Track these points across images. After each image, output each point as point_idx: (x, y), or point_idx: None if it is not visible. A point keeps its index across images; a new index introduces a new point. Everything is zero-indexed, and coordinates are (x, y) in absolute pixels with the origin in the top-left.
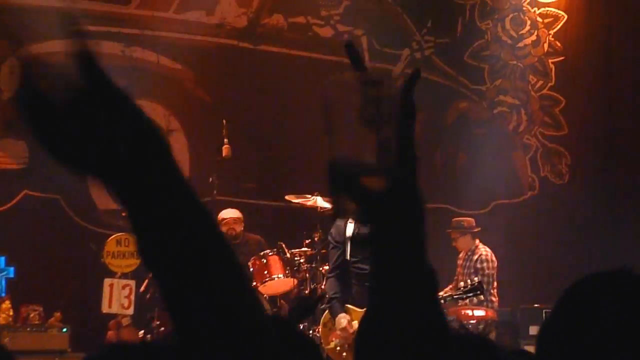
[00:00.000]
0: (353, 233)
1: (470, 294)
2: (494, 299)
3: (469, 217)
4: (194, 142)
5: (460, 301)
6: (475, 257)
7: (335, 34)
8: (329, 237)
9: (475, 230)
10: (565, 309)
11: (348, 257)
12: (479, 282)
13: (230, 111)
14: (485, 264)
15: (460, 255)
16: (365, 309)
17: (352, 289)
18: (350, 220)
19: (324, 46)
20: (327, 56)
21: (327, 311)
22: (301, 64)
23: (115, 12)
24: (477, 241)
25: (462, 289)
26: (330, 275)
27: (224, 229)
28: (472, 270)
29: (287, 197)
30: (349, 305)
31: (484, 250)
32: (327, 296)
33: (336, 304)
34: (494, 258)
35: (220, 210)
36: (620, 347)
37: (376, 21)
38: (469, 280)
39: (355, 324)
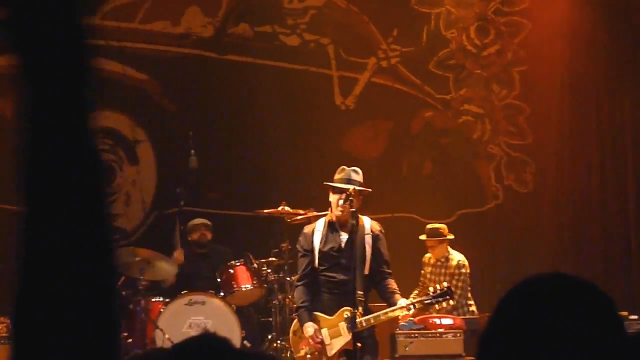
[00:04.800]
0: (321, 242)
1: (440, 299)
2: (472, 304)
3: (444, 224)
4: (160, 153)
5: (431, 307)
6: (451, 263)
7: (301, 42)
8: (298, 246)
9: (451, 237)
10: (502, 312)
11: (317, 265)
12: (448, 287)
13: (196, 121)
14: (463, 269)
15: (429, 261)
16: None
17: (321, 297)
18: (317, 228)
19: (290, 55)
20: (293, 65)
21: (296, 320)
22: (268, 73)
23: None
24: (449, 247)
25: (431, 294)
26: (298, 283)
27: (195, 235)
28: (447, 278)
29: (257, 211)
30: (317, 313)
31: (458, 256)
32: (295, 305)
33: (304, 312)
34: (467, 263)
35: (188, 221)
36: (556, 348)
37: (342, 30)
38: (437, 286)
39: (325, 331)
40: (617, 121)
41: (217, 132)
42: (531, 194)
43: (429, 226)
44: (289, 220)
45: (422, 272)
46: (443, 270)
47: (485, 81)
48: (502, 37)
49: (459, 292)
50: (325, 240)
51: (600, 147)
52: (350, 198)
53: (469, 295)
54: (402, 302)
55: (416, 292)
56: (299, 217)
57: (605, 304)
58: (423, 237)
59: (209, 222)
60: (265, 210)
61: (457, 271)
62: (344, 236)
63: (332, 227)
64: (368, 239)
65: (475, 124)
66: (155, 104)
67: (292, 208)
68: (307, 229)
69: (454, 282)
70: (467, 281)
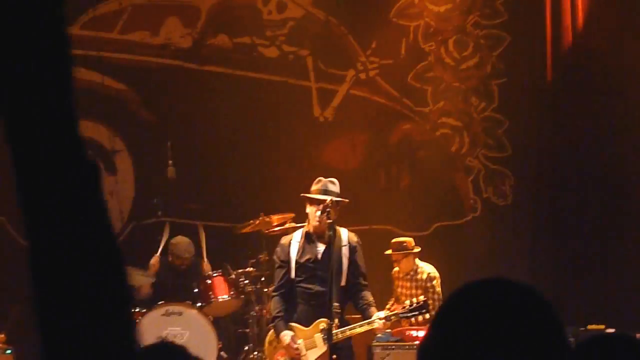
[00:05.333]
0: (298, 253)
1: (416, 312)
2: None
3: (410, 237)
4: (138, 163)
5: (404, 320)
6: (420, 276)
7: (280, 54)
8: (275, 257)
9: (417, 250)
10: (441, 319)
11: (293, 277)
12: (425, 301)
13: (175, 132)
14: (435, 282)
15: (398, 275)
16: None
17: (297, 308)
18: (294, 239)
19: (269, 67)
20: (272, 76)
21: (271, 330)
22: (247, 84)
23: None
24: (417, 260)
25: (407, 307)
26: (274, 293)
27: (178, 260)
28: (419, 291)
29: (238, 228)
30: (293, 324)
31: (428, 268)
32: (271, 315)
33: (280, 322)
34: (437, 274)
35: (164, 232)
36: (496, 353)
37: (321, 42)
38: (414, 300)
39: (301, 342)
40: (599, 132)
41: (196, 142)
42: (510, 206)
43: (393, 240)
44: (266, 231)
45: (394, 285)
46: (413, 284)
47: (464, 94)
48: (481, 50)
49: (436, 304)
50: (302, 252)
51: (577, 161)
52: (328, 209)
53: None
54: (378, 314)
55: (391, 302)
56: (277, 229)
57: (544, 308)
58: (388, 251)
59: (192, 248)
60: (245, 229)
61: (428, 284)
62: (321, 247)
63: (309, 239)
64: (345, 251)
65: (453, 136)
66: (134, 114)
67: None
68: (284, 239)
69: (429, 294)
70: (440, 293)
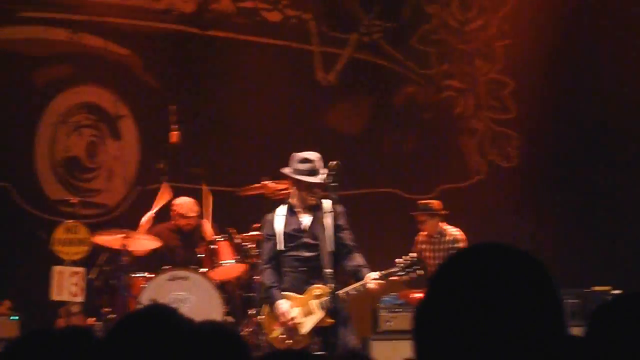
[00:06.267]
0: (284, 225)
1: (410, 270)
2: None
3: (419, 200)
4: (143, 128)
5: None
6: (447, 238)
7: (283, 18)
8: (262, 232)
9: (444, 212)
10: (437, 283)
11: (283, 247)
12: (418, 257)
13: (179, 97)
14: (461, 244)
15: (422, 239)
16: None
17: (289, 277)
18: (278, 213)
19: (272, 31)
20: (275, 41)
21: (266, 303)
22: (250, 48)
23: None
24: (443, 224)
25: (400, 264)
26: (266, 266)
27: (182, 221)
28: (444, 253)
29: (240, 191)
30: (287, 293)
31: (454, 231)
32: (265, 286)
33: (276, 292)
34: (464, 237)
35: (174, 196)
36: (492, 316)
37: (324, 5)
38: (408, 256)
39: (296, 310)
40: (602, 92)
41: (199, 107)
42: (515, 168)
43: (420, 201)
44: (270, 194)
45: (415, 249)
46: (439, 246)
47: (469, 56)
48: (485, 12)
49: None
50: (287, 223)
51: (584, 121)
52: (333, 172)
53: None
54: (369, 275)
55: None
56: (281, 192)
57: (540, 272)
58: (415, 212)
59: (197, 207)
60: (247, 192)
61: (452, 246)
62: (306, 217)
63: (292, 210)
64: (329, 217)
65: (457, 99)
66: (138, 79)
67: (275, 182)
68: (268, 216)
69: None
70: None
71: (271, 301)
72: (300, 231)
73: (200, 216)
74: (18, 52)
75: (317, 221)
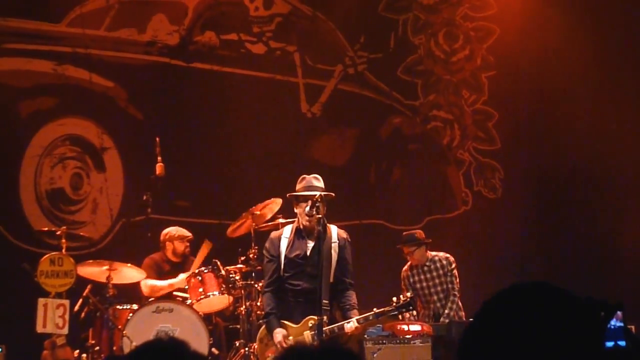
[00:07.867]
0: (287, 248)
1: (403, 310)
2: (460, 302)
3: (404, 230)
4: (127, 160)
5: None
6: (441, 263)
7: (267, 50)
8: (264, 252)
9: (428, 241)
10: (485, 317)
11: (283, 274)
12: (411, 298)
13: (163, 129)
14: (454, 265)
15: (412, 271)
16: (299, 324)
17: (287, 304)
18: (284, 235)
19: (256, 63)
20: (260, 73)
21: (263, 327)
22: (234, 80)
23: (46, 30)
24: (429, 251)
25: (394, 304)
26: (266, 290)
27: (177, 245)
28: (442, 279)
29: (229, 232)
30: (284, 321)
31: (443, 255)
32: (264, 311)
33: (273, 319)
34: (452, 258)
35: (159, 228)
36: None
37: (309, 37)
38: (401, 296)
39: (291, 339)
40: (595, 125)
41: (184, 139)
42: (499, 199)
43: (404, 233)
44: (256, 227)
45: (405, 283)
46: (435, 274)
47: (454, 87)
48: (471, 43)
49: (457, 287)
50: (291, 247)
51: (571, 153)
52: (317, 204)
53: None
54: (353, 320)
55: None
56: (267, 224)
57: (586, 315)
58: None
59: (189, 236)
60: (235, 232)
61: (448, 269)
62: (310, 244)
63: (299, 234)
64: (335, 247)
65: (444, 129)
66: (122, 111)
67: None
68: (274, 234)
69: (453, 279)
70: (457, 276)
71: (268, 328)
72: (303, 258)
73: (191, 252)
74: (2, 83)
75: (322, 250)
